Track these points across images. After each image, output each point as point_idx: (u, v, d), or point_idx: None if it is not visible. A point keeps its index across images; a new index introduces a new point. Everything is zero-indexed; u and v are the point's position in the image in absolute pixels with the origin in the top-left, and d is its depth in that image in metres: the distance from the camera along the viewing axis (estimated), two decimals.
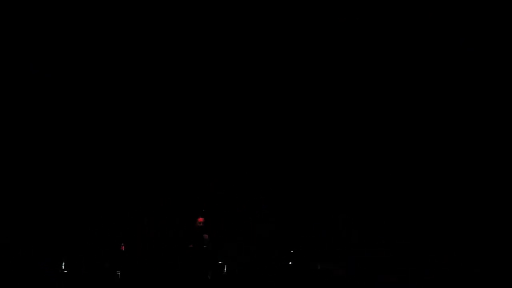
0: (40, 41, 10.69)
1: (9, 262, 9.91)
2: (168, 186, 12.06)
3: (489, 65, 10.97)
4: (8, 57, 10.65)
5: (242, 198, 12.05)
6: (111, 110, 11.87)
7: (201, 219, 10.83)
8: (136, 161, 12.07)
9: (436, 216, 11.19)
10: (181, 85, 11.85)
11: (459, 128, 11.35)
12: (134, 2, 10.67)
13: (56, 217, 11.44)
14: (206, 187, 12.03)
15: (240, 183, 12.07)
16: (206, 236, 10.83)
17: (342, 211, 11.70)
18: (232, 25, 11.16)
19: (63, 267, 10.61)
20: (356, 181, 11.86)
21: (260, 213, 11.95)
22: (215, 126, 12.02)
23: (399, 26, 11.06)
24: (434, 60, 11.26)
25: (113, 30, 10.96)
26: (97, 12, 10.65)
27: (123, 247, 11.02)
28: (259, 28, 11.22)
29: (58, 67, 11.06)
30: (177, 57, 11.58)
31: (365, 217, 11.55)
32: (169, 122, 12.05)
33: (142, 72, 11.69)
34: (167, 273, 10.60)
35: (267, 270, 10.71)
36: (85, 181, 11.77)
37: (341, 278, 10.63)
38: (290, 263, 10.74)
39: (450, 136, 11.39)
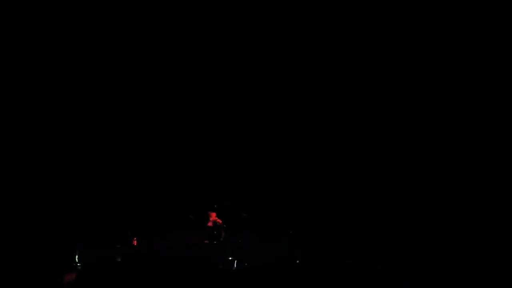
0: (39, 41, 10.74)
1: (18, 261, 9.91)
2: (180, 181, 12.06)
3: (489, 65, 10.54)
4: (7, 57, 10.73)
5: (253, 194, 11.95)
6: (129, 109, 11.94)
7: (213, 214, 10.78)
8: (151, 157, 12.12)
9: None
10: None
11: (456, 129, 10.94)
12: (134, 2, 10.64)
13: (67, 211, 11.51)
14: (217, 183, 11.99)
15: (251, 179, 11.97)
16: (223, 232, 10.75)
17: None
18: (232, 25, 11.03)
19: (76, 260, 10.62)
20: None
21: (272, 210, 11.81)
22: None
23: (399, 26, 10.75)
24: (434, 60, 10.89)
25: (113, 30, 10.95)
26: (96, 12, 10.65)
27: (135, 242, 11.00)
28: (259, 28, 11.07)
29: (57, 67, 11.10)
30: (177, 57, 11.50)
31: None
32: (185, 122, 12.08)
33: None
34: (178, 267, 10.49)
35: (276, 267, 10.46)
36: (98, 176, 11.85)
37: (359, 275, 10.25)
38: (298, 261, 10.49)
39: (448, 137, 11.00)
